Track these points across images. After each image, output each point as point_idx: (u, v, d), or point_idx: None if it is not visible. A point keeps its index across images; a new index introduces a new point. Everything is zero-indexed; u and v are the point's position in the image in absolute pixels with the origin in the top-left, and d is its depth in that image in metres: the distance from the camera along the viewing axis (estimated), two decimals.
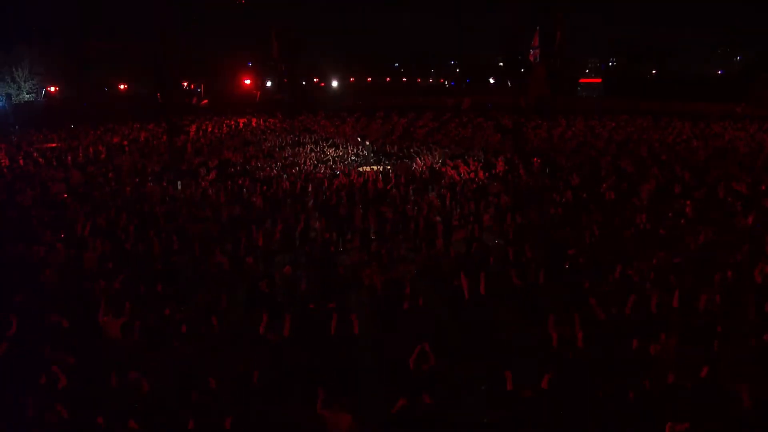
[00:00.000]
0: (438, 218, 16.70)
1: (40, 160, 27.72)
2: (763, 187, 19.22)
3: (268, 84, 50.41)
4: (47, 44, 47.43)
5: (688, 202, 17.03)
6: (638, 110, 44.70)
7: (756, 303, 10.55)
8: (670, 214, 16.02)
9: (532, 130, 33.88)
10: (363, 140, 29.85)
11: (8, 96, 41.49)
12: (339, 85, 67.31)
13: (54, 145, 33.43)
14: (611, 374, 8.96)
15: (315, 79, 71.62)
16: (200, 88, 49.56)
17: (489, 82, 76.40)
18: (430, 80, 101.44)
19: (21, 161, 26.78)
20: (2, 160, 27.08)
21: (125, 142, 33.39)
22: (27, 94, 46.45)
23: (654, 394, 8.35)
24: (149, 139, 34.53)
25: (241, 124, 41.50)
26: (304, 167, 23.73)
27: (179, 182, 21.86)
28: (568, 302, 10.99)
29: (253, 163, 24.87)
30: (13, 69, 45.08)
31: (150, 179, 22.39)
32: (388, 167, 23.65)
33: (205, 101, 35.90)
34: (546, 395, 7.87)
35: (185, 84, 51.24)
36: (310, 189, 19.17)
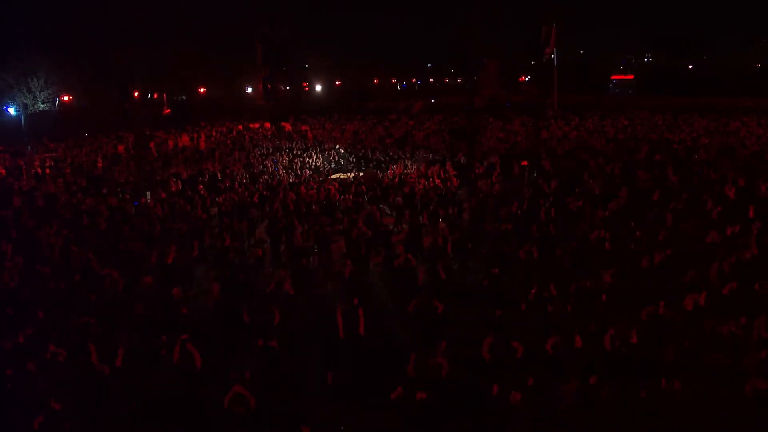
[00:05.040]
0: (382, 228, 15.74)
1: (32, 170, 28.04)
2: (763, 190, 17.35)
3: (249, 90, 50.12)
4: (63, 52, 48.16)
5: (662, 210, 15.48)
6: (664, 107, 42.00)
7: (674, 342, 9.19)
8: (632, 224, 14.52)
9: (542, 130, 32.16)
10: (339, 147, 28.83)
11: (24, 106, 42.46)
12: (323, 88, 64.72)
13: (57, 154, 33.86)
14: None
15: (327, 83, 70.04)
16: (163, 98, 49.01)
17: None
18: (458, 80, 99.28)
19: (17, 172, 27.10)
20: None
21: (123, 150, 33.52)
22: (42, 103, 47.49)
23: None
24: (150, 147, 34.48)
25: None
26: (273, 176, 23.04)
27: (148, 193, 21.58)
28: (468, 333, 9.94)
29: (228, 172, 24.38)
30: (29, 79, 46.18)
31: (118, 190, 22.14)
32: (361, 174, 22.69)
33: (168, 111, 35.75)
34: None
35: (149, 94, 50.78)
36: (256, 200, 18.46)
